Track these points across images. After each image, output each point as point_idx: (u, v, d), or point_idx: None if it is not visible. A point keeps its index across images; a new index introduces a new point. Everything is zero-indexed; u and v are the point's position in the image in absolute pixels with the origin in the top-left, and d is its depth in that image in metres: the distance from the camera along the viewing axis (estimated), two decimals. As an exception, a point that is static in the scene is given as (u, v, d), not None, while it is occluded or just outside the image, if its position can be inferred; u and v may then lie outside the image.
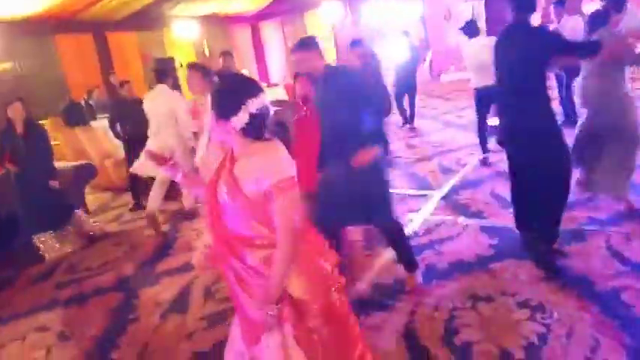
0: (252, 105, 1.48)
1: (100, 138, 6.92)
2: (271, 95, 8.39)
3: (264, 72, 14.60)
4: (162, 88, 4.70)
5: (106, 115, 7.77)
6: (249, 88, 1.52)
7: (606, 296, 2.51)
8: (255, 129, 1.52)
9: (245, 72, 12.23)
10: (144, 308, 3.27)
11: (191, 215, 4.93)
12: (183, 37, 11.93)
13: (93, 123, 7.79)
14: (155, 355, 2.72)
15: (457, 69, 12.25)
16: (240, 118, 1.48)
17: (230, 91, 1.53)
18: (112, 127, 5.66)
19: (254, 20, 14.30)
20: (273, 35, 14.67)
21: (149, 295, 3.46)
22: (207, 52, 12.70)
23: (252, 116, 1.48)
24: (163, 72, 4.98)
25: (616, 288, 2.56)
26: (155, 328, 3.00)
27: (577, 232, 3.22)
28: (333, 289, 1.67)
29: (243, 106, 1.47)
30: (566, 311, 2.44)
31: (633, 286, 2.54)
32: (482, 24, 10.67)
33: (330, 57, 14.24)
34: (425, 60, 12.52)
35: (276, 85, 12.58)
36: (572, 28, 5.21)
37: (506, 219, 3.65)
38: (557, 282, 2.70)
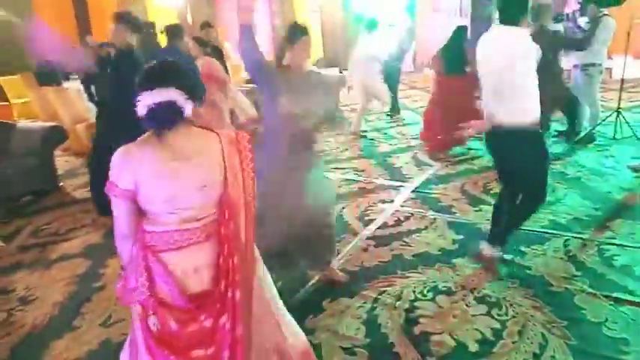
0: (147, 98, 1.41)
1: (73, 100, 6.71)
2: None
3: (248, 46, 14.34)
4: None
5: (80, 76, 7.55)
6: (147, 77, 1.45)
7: (560, 297, 2.65)
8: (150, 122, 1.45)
9: (227, 45, 11.99)
10: (110, 277, 3.25)
11: None
12: (165, 3, 11.57)
13: (65, 84, 7.54)
14: (119, 324, 2.72)
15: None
16: (139, 110, 1.42)
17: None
18: (86, 89, 5.47)
19: (241, -9, 13.97)
20: (259, 9, 14.36)
21: (117, 264, 3.43)
22: (190, 20, 12.36)
23: (148, 110, 1.41)
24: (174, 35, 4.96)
25: (569, 290, 2.70)
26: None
27: (538, 235, 3.36)
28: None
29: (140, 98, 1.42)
30: (521, 309, 2.56)
31: (585, 291, 2.68)
32: (468, 19, 10.73)
33: (317, 37, 14.09)
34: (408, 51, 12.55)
35: (259, 61, 12.39)
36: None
37: (472, 215, 3.79)
38: (515, 280, 2.83)
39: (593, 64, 5.19)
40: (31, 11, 9.56)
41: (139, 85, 1.44)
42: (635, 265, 2.90)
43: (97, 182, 4.12)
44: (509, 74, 2.58)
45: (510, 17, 2.68)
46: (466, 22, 10.03)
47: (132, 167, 1.45)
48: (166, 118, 1.43)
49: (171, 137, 1.48)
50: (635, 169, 4.44)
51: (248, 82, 7.47)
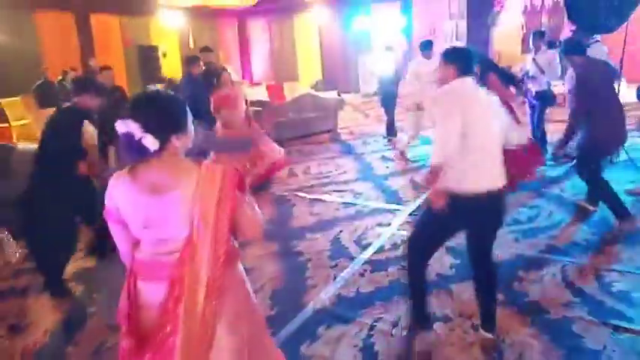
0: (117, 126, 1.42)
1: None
2: (253, 95, 8.38)
3: (248, 69, 14.54)
4: None
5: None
6: (130, 107, 1.48)
7: (557, 325, 2.61)
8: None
9: (228, 68, 12.17)
10: (104, 302, 3.21)
11: None
12: (169, 27, 11.77)
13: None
14: (112, 352, 2.67)
15: (438, 85, 12.46)
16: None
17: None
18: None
19: (242, 16, 14.22)
20: (260, 33, 14.63)
21: (110, 289, 3.40)
22: (191, 44, 12.56)
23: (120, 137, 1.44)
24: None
25: (567, 318, 2.67)
26: (115, 325, 2.94)
27: (535, 260, 3.34)
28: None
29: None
30: (518, 337, 2.53)
31: (583, 318, 2.65)
32: (464, 43, 10.90)
33: (316, 60, 14.30)
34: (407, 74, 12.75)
35: (258, 84, 12.55)
36: (547, 60, 5.41)
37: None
38: (512, 307, 2.79)
39: None
40: (35, 37, 9.73)
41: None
42: (634, 291, 2.87)
43: None
44: None
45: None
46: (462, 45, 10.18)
47: (113, 192, 1.50)
48: (128, 149, 1.42)
49: (143, 168, 1.47)
50: (633, 194, 4.44)
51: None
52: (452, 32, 12.90)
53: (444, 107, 2.32)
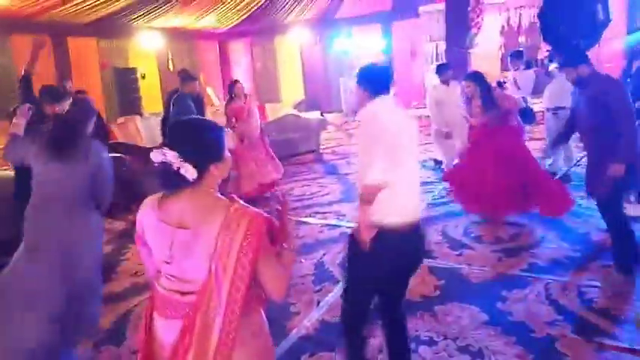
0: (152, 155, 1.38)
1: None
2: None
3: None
4: None
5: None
6: (168, 135, 1.45)
7: (542, 344, 2.60)
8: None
9: (209, 90, 12.16)
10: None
11: None
12: (147, 49, 11.74)
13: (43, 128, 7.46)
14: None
15: (420, 104, 12.65)
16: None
17: None
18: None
19: (222, 38, 14.30)
20: (241, 55, 14.70)
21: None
22: (171, 66, 12.54)
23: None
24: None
25: (551, 336, 2.65)
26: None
27: (519, 278, 3.34)
28: None
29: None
30: (504, 358, 2.50)
31: (567, 336, 2.64)
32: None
33: (298, 81, 14.41)
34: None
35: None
36: (526, 78, 5.54)
37: (454, 259, 3.76)
38: (496, 327, 2.77)
39: (563, 107, 5.38)
40: (11, 60, 9.60)
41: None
42: (616, 307, 2.88)
43: None
44: None
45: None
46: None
47: (141, 216, 1.48)
48: (165, 179, 1.37)
49: (173, 198, 1.40)
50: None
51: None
52: (432, 54, 13.18)
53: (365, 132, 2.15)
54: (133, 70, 11.26)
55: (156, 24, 11.61)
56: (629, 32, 8.94)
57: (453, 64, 6.39)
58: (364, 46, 13.66)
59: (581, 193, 5.10)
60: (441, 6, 9.36)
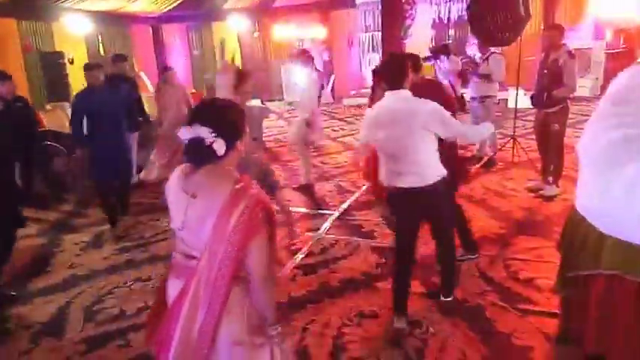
0: (182, 133, 1.47)
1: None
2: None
3: (165, 77, 14.01)
4: None
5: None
6: (191, 114, 1.54)
7: (473, 313, 2.83)
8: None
9: (142, 75, 11.66)
10: (12, 330, 2.96)
11: None
12: (75, 32, 11.02)
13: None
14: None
15: (358, 93, 12.92)
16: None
17: None
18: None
19: (156, 22, 13.72)
20: (177, 40, 14.20)
21: (18, 315, 3.14)
22: (102, 51, 11.88)
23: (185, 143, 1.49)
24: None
25: (481, 305, 2.90)
26: (24, 352, 2.72)
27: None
28: None
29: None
30: (440, 327, 2.71)
31: (496, 304, 2.90)
32: (379, 54, 11.43)
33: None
34: (328, 83, 13.07)
35: (177, 92, 12.12)
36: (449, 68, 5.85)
37: (392, 239, 3.95)
38: (434, 300, 2.98)
39: (489, 96, 5.80)
40: None
41: (188, 118, 1.50)
42: (537, 277, 3.19)
43: None
44: None
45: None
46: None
47: (168, 183, 1.59)
48: (196, 153, 1.46)
49: (199, 172, 1.50)
50: (532, 190, 4.92)
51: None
52: (369, 43, 13.48)
53: None
54: (60, 55, 10.50)
55: (84, 6, 10.92)
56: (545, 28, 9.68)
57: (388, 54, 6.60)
58: (303, 34, 13.70)
59: (507, 175, 5.55)
60: (378, -3, 9.59)
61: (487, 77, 5.77)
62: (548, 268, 3.27)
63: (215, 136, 1.43)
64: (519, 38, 5.52)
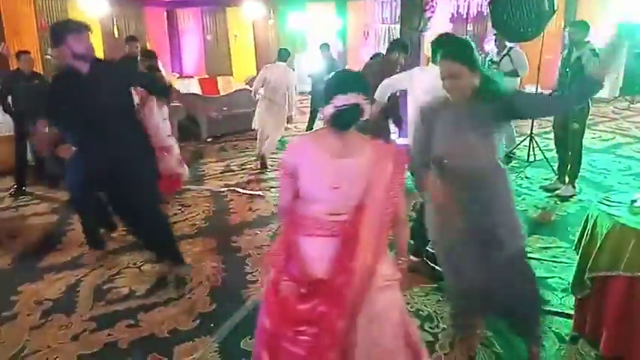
0: (338, 100, 1.60)
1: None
2: (184, 88, 8.14)
3: (178, 62, 13.99)
4: None
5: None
6: (338, 85, 1.65)
7: (485, 310, 2.79)
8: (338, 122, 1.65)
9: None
10: (22, 306, 2.97)
11: None
12: (90, 13, 11.01)
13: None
14: (33, 357, 2.48)
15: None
16: (327, 109, 1.63)
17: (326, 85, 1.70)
18: (2, 101, 5.11)
19: (171, 6, 13.66)
20: (191, 25, 14.14)
21: (30, 292, 3.15)
22: (116, 33, 11.87)
23: (336, 109, 1.61)
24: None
25: (493, 302, 2.86)
26: (34, 327, 2.73)
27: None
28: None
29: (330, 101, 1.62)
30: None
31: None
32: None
33: (250, 56, 14.12)
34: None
35: (190, 77, 12.13)
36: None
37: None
38: (446, 294, 2.95)
39: None
40: None
41: (331, 89, 1.63)
42: (551, 277, 3.15)
43: None
44: None
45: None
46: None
47: (297, 154, 1.70)
48: (351, 118, 1.62)
49: (338, 136, 1.66)
50: (547, 190, 4.85)
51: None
52: (385, 35, 13.34)
53: None
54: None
55: (99, -14, 10.89)
56: (567, 25, 9.51)
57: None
58: (318, 24, 13.59)
59: (522, 174, 5.48)
60: (396, -12, 9.46)
61: (513, 73, 5.64)
62: (562, 269, 3.24)
63: (367, 103, 1.62)
64: (542, 35, 5.42)
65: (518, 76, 5.74)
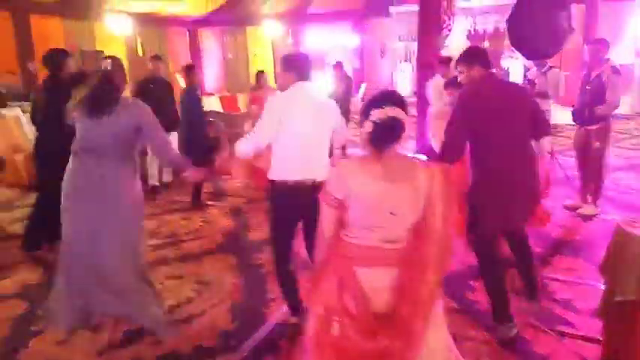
0: (374, 115, 1.55)
1: (11, 128, 6.35)
2: (205, 105, 8.30)
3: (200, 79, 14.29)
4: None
5: (19, 103, 7.13)
6: (374, 99, 1.62)
7: (508, 331, 2.75)
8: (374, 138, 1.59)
9: (178, 77, 11.91)
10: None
11: None
12: (116, 33, 11.35)
13: (3, 110, 7.12)
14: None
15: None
16: (365, 126, 1.59)
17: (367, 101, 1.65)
18: (34, 118, 5.25)
19: (192, 26, 14.01)
20: (212, 44, 14.46)
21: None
22: (140, 52, 12.19)
23: (374, 125, 1.56)
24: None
25: (518, 324, 2.81)
26: (62, 342, 2.79)
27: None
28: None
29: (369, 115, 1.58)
30: (473, 343, 2.65)
31: (532, 324, 2.81)
32: (413, 63, 11.39)
33: (269, 73, 14.33)
34: (358, 91, 13.08)
35: (210, 94, 12.35)
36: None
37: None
38: (466, 315, 2.92)
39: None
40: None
41: (366, 106, 1.59)
42: (576, 299, 3.09)
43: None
44: None
45: None
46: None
47: (344, 182, 1.60)
48: (390, 133, 1.56)
49: (385, 158, 1.59)
50: (569, 208, 4.78)
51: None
52: (401, 53, 13.43)
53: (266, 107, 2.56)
54: (100, 53, 10.85)
55: (125, 7, 11.24)
56: (587, 42, 9.46)
57: (424, 65, 6.56)
58: (335, 42, 13.76)
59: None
60: (413, 7, 9.56)
61: (544, 95, 5.46)
62: (588, 291, 3.18)
63: (405, 116, 1.58)
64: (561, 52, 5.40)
65: (548, 97, 5.59)
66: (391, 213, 1.56)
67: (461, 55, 2.81)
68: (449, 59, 5.74)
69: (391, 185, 1.57)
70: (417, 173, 1.60)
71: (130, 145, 2.63)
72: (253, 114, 6.14)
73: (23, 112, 6.49)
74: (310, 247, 2.50)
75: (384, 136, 1.57)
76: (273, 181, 2.55)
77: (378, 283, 1.60)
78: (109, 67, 2.69)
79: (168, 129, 5.09)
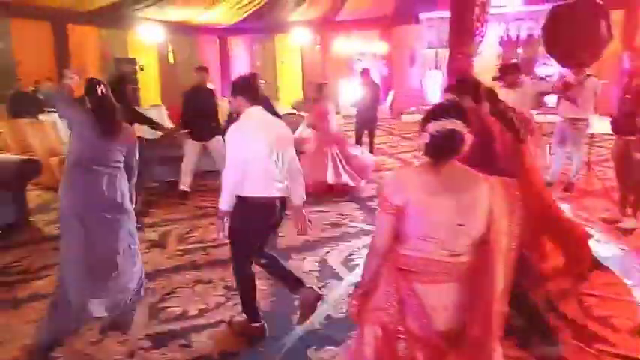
0: (432, 127, 1.53)
1: (48, 133, 6.57)
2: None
3: (228, 87, 14.52)
4: None
5: (55, 109, 7.39)
6: (433, 111, 1.59)
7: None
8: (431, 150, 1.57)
9: (210, 86, 12.14)
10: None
11: None
12: (148, 41, 11.67)
13: (41, 116, 7.39)
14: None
15: (417, 110, 12.76)
16: (422, 138, 1.57)
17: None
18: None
19: (223, 34, 14.27)
20: (241, 52, 14.70)
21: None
22: (171, 59, 12.49)
23: (431, 137, 1.53)
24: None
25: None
26: (94, 342, 2.84)
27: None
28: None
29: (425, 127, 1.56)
30: (508, 360, 2.56)
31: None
32: (443, 70, 11.24)
33: (297, 80, 14.45)
34: (386, 99, 13.01)
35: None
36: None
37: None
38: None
39: (581, 119, 5.39)
40: (10, 45, 9.51)
41: (424, 118, 1.58)
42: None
43: None
44: None
45: None
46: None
47: (403, 189, 1.56)
48: (449, 146, 1.53)
49: (444, 169, 1.56)
50: (607, 222, 4.61)
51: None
52: (431, 60, 13.28)
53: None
54: (133, 61, 11.18)
55: (157, 16, 11.56)
56: (627, 50, 9.16)
57: (456, 72, 6.45)
58: (363, 49, 13.76)
59: (580, 204, 5.23)
60: (443, 13, 9.46)
61: (574, 101, 5.32)
62: (626, 307, 3.05)
63: (467, 132, 1.52)
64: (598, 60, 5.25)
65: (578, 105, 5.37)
66: (458, 224, 1.53)
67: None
68: (516, 66, 5.67)
69: (453, 196, 1.53)
70: (477, 185, 1.56)
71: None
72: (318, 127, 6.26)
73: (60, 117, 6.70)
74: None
75: (442, 148, 1.54)
76: (245, 198, 2.70)
77: (437, 300, 1.55)
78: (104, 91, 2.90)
79: (213, 133, 5.63)
